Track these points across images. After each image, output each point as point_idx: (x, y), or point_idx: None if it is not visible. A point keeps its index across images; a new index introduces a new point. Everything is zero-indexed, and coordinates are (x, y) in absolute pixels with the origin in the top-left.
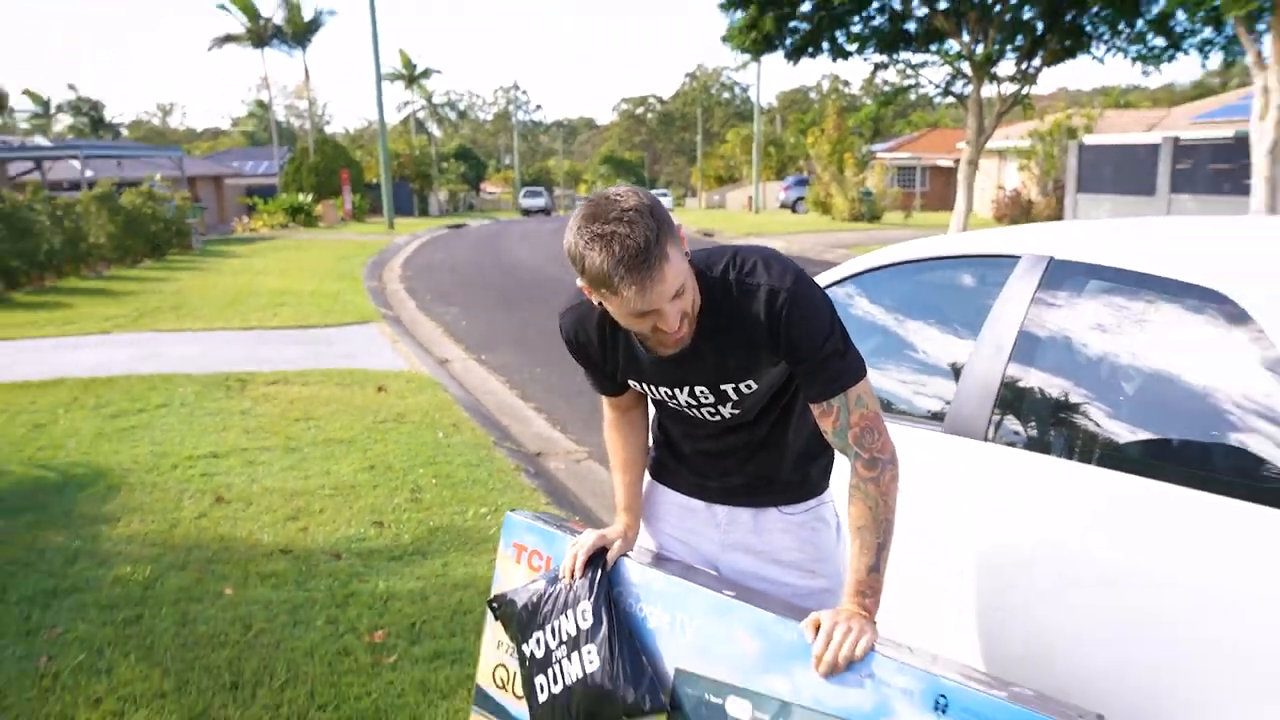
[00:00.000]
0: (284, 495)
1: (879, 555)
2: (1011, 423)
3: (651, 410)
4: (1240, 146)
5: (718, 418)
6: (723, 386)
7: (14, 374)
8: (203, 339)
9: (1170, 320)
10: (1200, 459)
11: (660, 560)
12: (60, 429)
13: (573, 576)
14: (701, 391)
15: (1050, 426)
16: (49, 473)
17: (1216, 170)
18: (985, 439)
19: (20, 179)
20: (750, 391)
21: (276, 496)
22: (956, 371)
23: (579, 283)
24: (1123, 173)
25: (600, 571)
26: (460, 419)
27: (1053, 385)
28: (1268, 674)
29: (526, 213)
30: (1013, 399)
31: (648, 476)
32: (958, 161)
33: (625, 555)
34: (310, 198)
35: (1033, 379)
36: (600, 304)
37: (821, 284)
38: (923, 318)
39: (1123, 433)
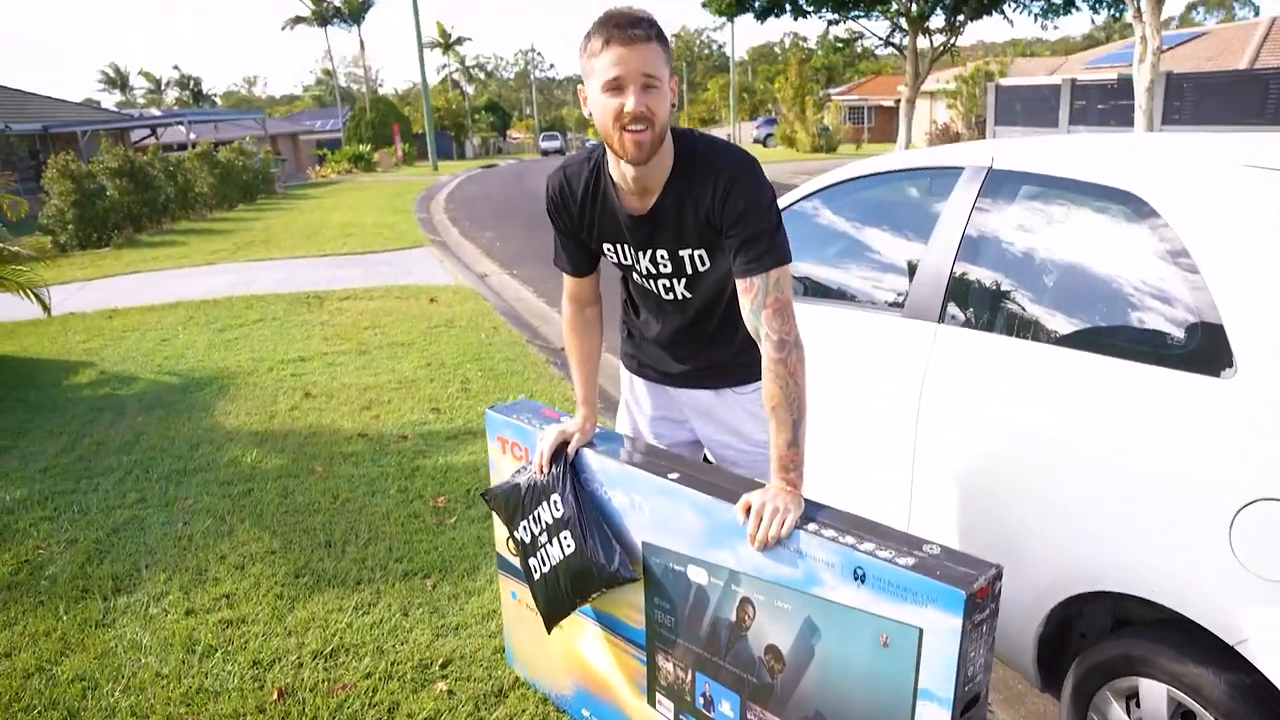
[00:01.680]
0: (359, 389)
1: (795, 430)
2: (959, 307)
3: (620, 310)
4: (1124, 88)
5: (672, 296)
6: (681, 253)
7: (143, 299)
8: (288, 265)
9: (1091, 217)
10: (1118, 333)
11: (615, 447)
12: (180, 342)
13: (542, 470)
14: (662, 256)
15: (992, 310)
16: (174, 377)
17: (1105, 107)
18: (938, 321)
19: (141, 143)
20: (705, 269)
21: (353, 391)
22: (912, 267)
23: (579, 90)
24: (1031, 109)
25: (565, 463)
26: (499, 323)
27: (994, 275)
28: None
29: (545, 153)
30: (960, 288)
31: (625, 371)
32: (898, 102)
33: (587, 445)
34: (368, 148)
35: (977, 271)
36: (587, 164)
37: (792, 199)
38: (882, 223)
39: (1055, 313)
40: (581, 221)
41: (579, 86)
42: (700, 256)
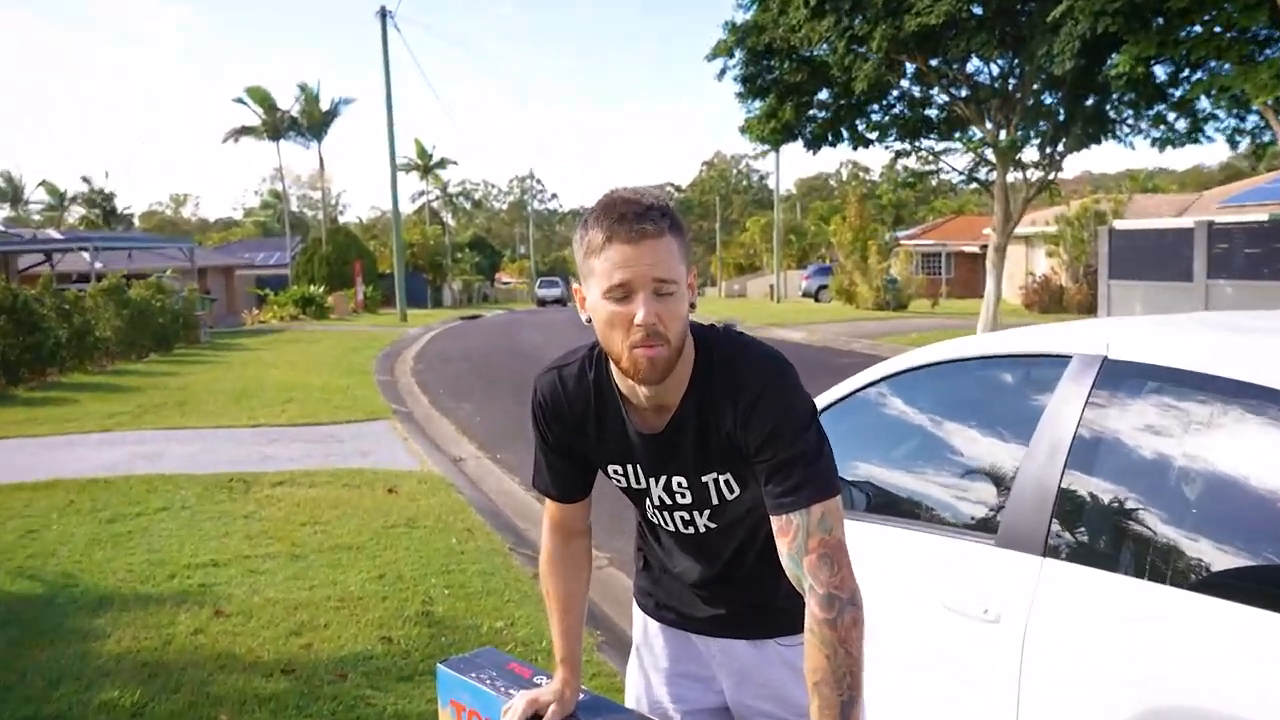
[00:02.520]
0: (287, 608)
1: (844, 716)
2: (1071, 535)
3: (636, 537)
4: (1276, 230)
5: (691, 530)
6: (704, 479)
7: (8, 475)
8: (207, 436)
9: (1243, 424)
10: None
11: None
12: (53, 535)
13: None
14: (679, 485)
15: (1116, 541)
16: (37, 584)
17: (1253, 254)
18: (1043, 554)
19: (31, 271)
20: (732, 498)
21: (279, 609)
22: (1005, 480)
23: (573, 285)
24: (1156, 258)
25: None
26: (475, 523)
27: (1116, 494)
28: None
29: (542, 303)
30: (1071, 510)
31: (639, 611)
32: (984, 247)
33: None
34: (322, 289)
35: (1093, 487)
36: (587, 369)
37: (854, 386)
38: (966, 420)
39: (1202, 547)
40: (580, 437)
41: (575, 285)
42: (727, 482)
